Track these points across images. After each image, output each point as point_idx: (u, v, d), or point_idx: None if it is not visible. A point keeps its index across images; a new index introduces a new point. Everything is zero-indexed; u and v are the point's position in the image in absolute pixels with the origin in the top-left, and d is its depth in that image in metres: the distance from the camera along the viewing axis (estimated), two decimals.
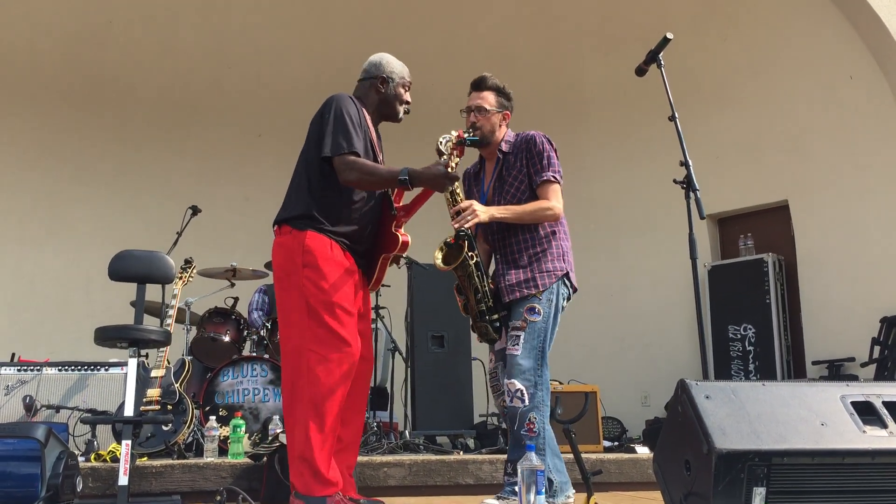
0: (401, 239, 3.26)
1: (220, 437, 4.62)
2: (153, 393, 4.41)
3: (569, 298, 3.49)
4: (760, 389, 2.33)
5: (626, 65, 7.89)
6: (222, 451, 4.55)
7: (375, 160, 3.33)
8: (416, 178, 3.10)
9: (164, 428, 4.33)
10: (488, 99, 3.51)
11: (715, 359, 7.25)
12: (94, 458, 4.11)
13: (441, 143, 3.30)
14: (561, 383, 5.78)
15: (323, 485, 3.04)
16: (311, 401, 3.04)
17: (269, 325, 5.59)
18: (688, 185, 2.99)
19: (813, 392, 2.35)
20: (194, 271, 5.25)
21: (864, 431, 2.24)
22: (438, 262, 3.34)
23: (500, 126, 3.53)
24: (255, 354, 5.42)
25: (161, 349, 4.55)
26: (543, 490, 2.83)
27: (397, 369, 6.11)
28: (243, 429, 4.26)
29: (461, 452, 5.35)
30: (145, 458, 4.21)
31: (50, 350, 6.33)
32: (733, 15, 7.26)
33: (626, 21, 7.66)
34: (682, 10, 7.42)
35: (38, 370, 4.73)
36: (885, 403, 2.31)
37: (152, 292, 5.60)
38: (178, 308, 5.44)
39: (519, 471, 2.88)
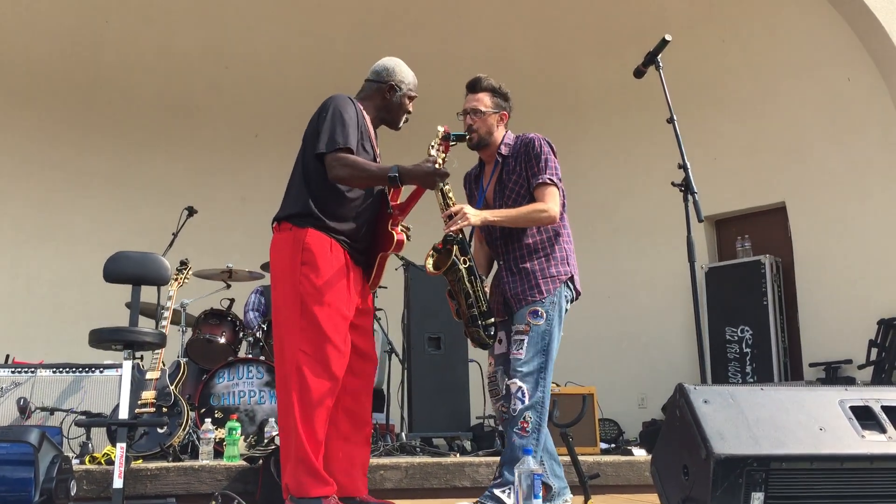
0: (396, 237, 3.25)
1: (215, 439, 4.59)
2: (148, 395, 4.39)
3: (572, 301, 3.47)
4: (759, 394, 2.31)
5: (624, 66, 7.88)
6: (218, 453, 4.53)
7: (374, 160, 3.32)
8: (405, 175, 3.09)
9: (160, 430, 4.30)
10: (483, 100, 3.47)
11: (712, 361, 7.24)
12: (89, 461, 4.08)
13: (432, 146, 3.29)
14: (558, 385, 5.76)
15: (318, 484, 3.03)
16: (301, 401, 3.03)
17: (265, 326, 5.56)
18: (686, 187, 2.97)
19: (812, 397, 2.33)
20: (190, 273, 5.22)
21: (863, 436, 2.23)
22: (429, 266, 3.32)
23: (498, 127, 3.50)
24: (250, 356, 5.39)
25: (156, 351, 4.53)
26: (541, 495, 2.81)
27: (394, 371, 6.09)
28: (239, 431, 4.24)
29: (458, 454, 5.33)
30: (140, 461, 4.18)
31: (45, 352, 6.30)
32: (731, 16, 7.25)
33: (624, 22, 7.64)
34: (680, 11, 7.41)
35: (32, 372, 4.70)
36: (884, 408, 2.30)
37: (148, 294, 5.59)
38: (174, 310, 5.43)
39: (516, 475, 2.86)
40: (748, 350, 7.05)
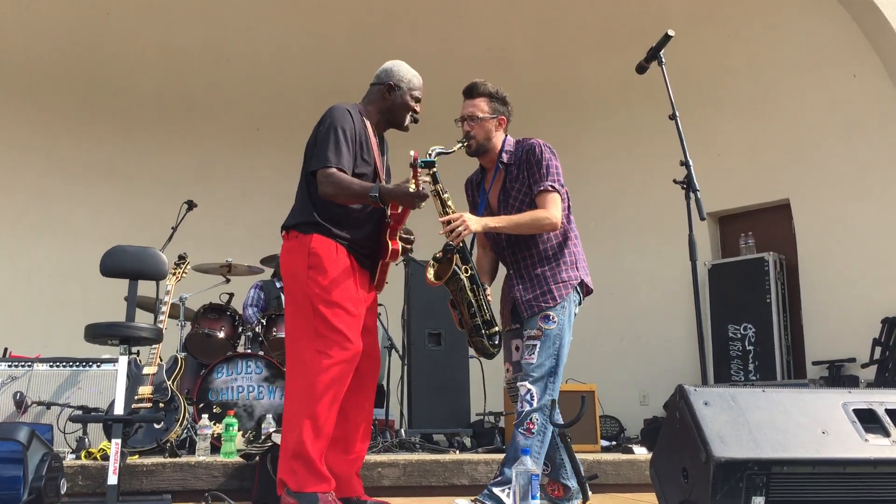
0: (390, 247, 3.29)
1: (213, 435, 4.56)
2: (145, 390, 4.36)
3: (580, 303, 3.45)
4: (760, 396, 2.27)
5: (625, 65, 7.82)
6: (215, 449, 4.50)
7: (374, 169, 3.33)
8: (385, 195, 3.14)
9: (156, 426, 4.27)
10: (480, 106, 3.44)
11: (714, 358, 7.20)
12: (85, 456, 4.05)
13: (430, 154, 3.26)
14: None
15: (317, 479, 3.04)
16: (308, 397, 3.07)
17: (264, 321, 5.53)
18: (688, 185, 2.93)
19: (814, 399, 2.29)
20: (188, 267, 5.19)
21: (867, 440, 2.18)
22: (430, 277, 3.31)
23: (496, 132, 3.46)
24: (249, 351, 5.36)
25: (153, 346, 4.49)
26: (538, 495, 2.77)
27: (394, 367, 6.06)
28: (236, 427, 4.20)
29: (457, 451, 5.31)
30: (136, 457, 4.15)
31: (44, 346, 6.28)
32: (734, 12, 7.19)
33: (625, 21, 7.59)
34: (682, 7, 7.35)
35: (28, 366, 4.67)
36: (888, 411, 2.26)
37: (147, 288, 5.57)
38: (172, 304, 5.39)
39: (514, 474, 2.82)
40: (751, 348, 7.00)
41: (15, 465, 2.66)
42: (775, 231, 7.30)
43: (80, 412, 4.42)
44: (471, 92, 3.47)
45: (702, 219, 2.90)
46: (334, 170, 3.15)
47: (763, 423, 2.19)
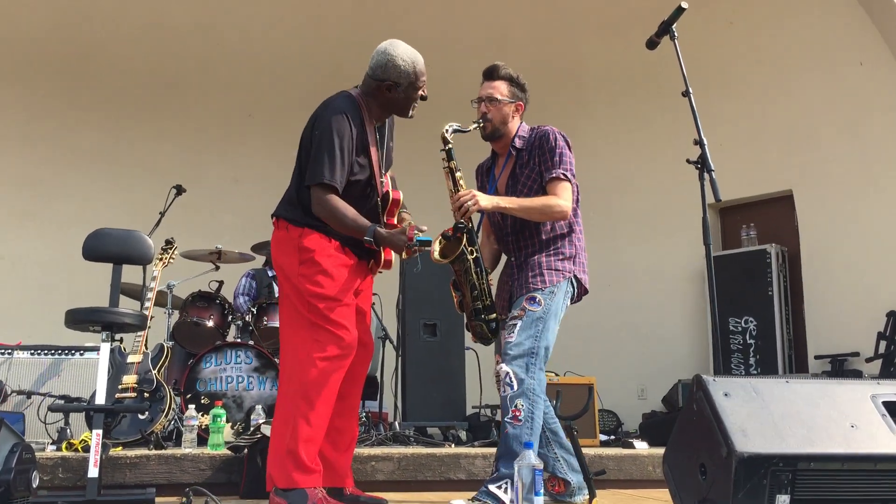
0: (383, 256, 3.22)
1: (200, 426, 4.41)
2: (129, 380, 4.20)
3: (575, 299, 3.33)
4: (784, 387, 2.12)
5: (628, 49, 7.78)
6: (203, 440, 4.34)
7: (371, 171, 3.16)
8: (380, 241, 3.03)
9: (141, 417, 4.11)
10: (500, 89, 3.35)
11: (714, 351, 7.06)
12: (66, 447, 3.89)
13: (447, 130, 3.19)
14: (557, 375, 5.59)
15: (304, 473, 2.93)
16: (303, 393, 2.96)
17: (254, 310, 5.37)
18: (702, 164, 2.78)
19: (841, 391, 2.14)
20: (175, 252, 5.02)
21: None
22: (435, 254, 3.20)
23: (513, 118, 3.37)
24: (239, 340, 5.20)
25: (138, 334, 4.33)
26: (542, 491, 2.62)
27: (387, 358, 5.92)
28: (224, 418, 4.05)
29: (452, 445, 5.18)
30: (120, 448, 3.99)
31: (30, 333, 6.10)
32: None
33: (628, 4, 7.44)
34: None
35: (9, 354, 4.50)
36: None
37: (133, 275, 5.40)
38: (160, 291, 5.24)
39: (516, 469, 2.67)
40: (752, 341, 6.87)
41: None
42: (778, 223, 7.16)
43: (61, 401, 4.25)
44: (491, 74, 3.37)
45: (717, 200, 2.75)
46: (330, 195, 3.00)
47: (788, 415, 2.04)
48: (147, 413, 4.12)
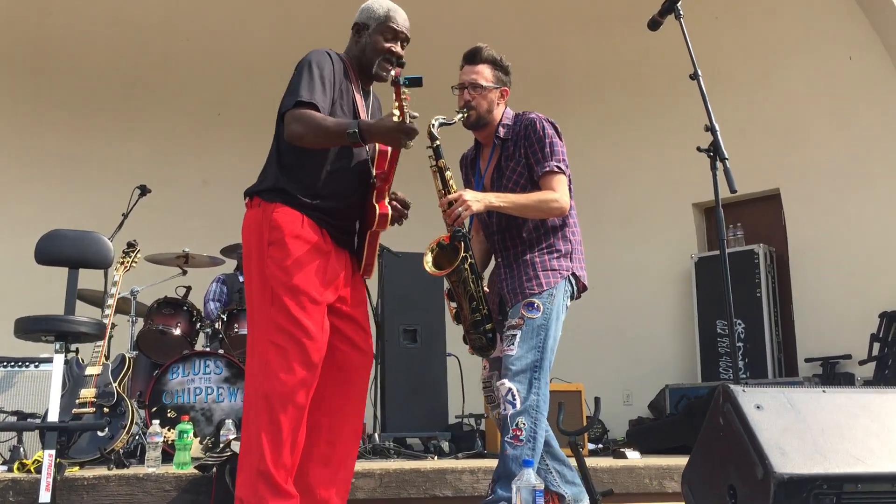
0: (378, 211, 2.78)
1: (167, 441, 4.12)
2: (87, 393, 3.89)
3: (574, 297, 3.09)
4: (822, 398, 1.89)
5: (611, 45, 7.58)
6: (169, 457, 4.04)
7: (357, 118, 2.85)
8: (366, 132, 2.62)
9: (100, 434, 3.80)
10: (484, 73, 3.09)
11: (702, 356, 6.91)
12: (18, 468, 3.57)
13: (433, 125, 2.94)
14: None
15: (279, 497, 2.59)
16: (267, 400, 2.61)
17: (224, 316, 5.07)
18: (714, 151, 2.57)
19: (883, 401, 1.91)
20: (138, 255, 4.71)
21: None
22: (429, 266, 2.92)
23: (498, 104, 3.12)
24: (208, 349, 4.90)
25: (97, 343, 4.02)
26: None
27: None
28: (190, 434, 3.75)
29: (435, 457, 4.94)
30: (77, 469, 3.68)
31: None
32: None
33: (606, 2, 7.25)
34: None
35: None
36: None
37: (95, 280, 5.09)
38: (123, 297, 4.94)
39: (514, 489, 2.42)
40: (740, 344, 6.70)
41: None
42: (765, 222, 7.01)
43: (13, 418, 3.93)
44: (473, 57, 3.11)
45: (732, 190, 2.54)
46: (308, 109, 2.66)
47: (828, 430, 1.81)
48: (107, 430, 3.81)
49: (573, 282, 3.06)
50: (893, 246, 6.16)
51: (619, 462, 4.28)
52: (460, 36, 7.34)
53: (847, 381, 6.14)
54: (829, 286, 6.50)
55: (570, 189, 3.12)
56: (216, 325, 5.06)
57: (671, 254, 7.33)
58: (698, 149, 2.66)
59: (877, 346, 6.04)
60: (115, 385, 4.02)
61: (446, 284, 3.02)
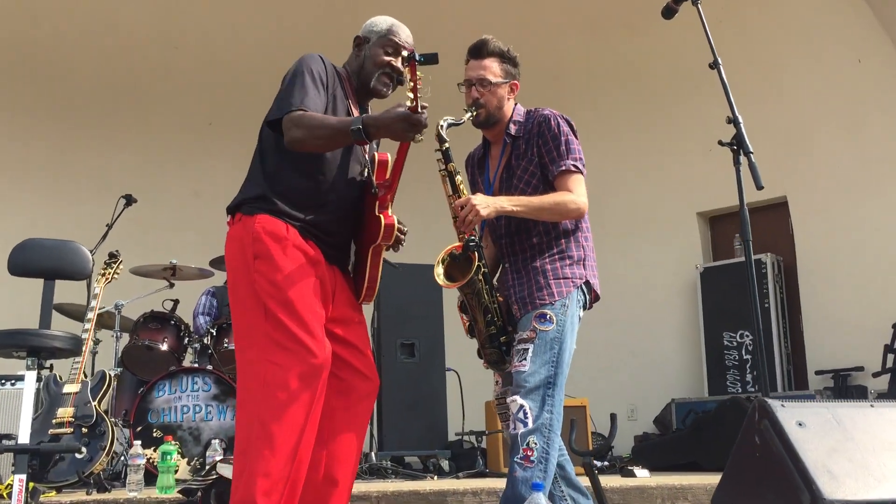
0: (384, 221, 2.55)
1: (151, 462, 3.90)
2: (65, 413, 3.66)
3: (587, 307, 2.89)
4: (869, 413, 1.69)
5: (610, 49, 7.41)
6: (155, 479, 3.82)
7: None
8: (371, 126, 2.42)
9: (78, 455, 3.58)
10: (491, 68, 2.87)
11: (709, 368, 6.71)
12: None
13: (441, 126, 2.72)
14: None
15: None
16: (263, 425, 2.36)
17: (213, 331, 4.85)
18: (738, 145, 2.36)
19: None
20: (120, 267, 4.50)
21: None
22: (440, 278, 2.71)
23: (508, 99, 2.91)
24: (196, 365, 4.69)
25: (76, 360, 3.80)
26: None
27: None
28: (174, 456, 3.54)
29: (435, 476, 4.74)
30: (54, 494, 3.47)
31: None
32: None
33: (608, 7, 7.11)
34: None
35: None
36: None
37: (78, 293, 4.87)
38: (107, 312, 4.75)
39: None
40: (748, 357, 6.49)
41: None
42: (772, 231, 6.81)
43: None
44: (479, 51, 2.89)
45: (758, 187, 2.34)
46: (304, 112, 2.47)
47: (879, 450, 1.60)
48: (85, 451, 3.58)
49: (586, 291, 2.85)
50: None
51: (629, 481, 4.07)
52: (458, 39, 7.21)
53: (860, 394, 5.94)
54: (839, 296, 6.31)
55: None
56: (205, 340, 4.86)
57: (675, 264, 7.15)
58: (720, 143, 2.46)
59: (891, 357, 5.84)
60: (94, 404, 3.80)
61: (458, 297, 2.82)
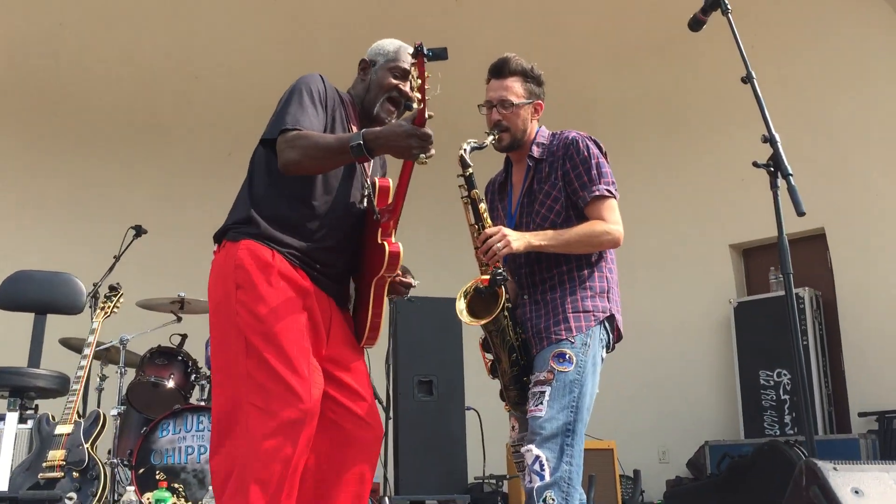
0: (387, 249, 2.34)
1: None
2: (55, 455, 3.47)
3: (610, 348, 2.66)
4: None
5: (641, 79, 7.22)
6: None
7: (354, 164, 2.48)
8: (373, 142, 2.23)
9: (68, 502, 3.38)
10: (514, 88, 2.71)
11: (744, 409, 6.40)
12: None
13: (465, 150, 2.57)
14: None
15: None
16: (241, 479, 2.14)
17: None
18: (775, 167, 2.13)
19: None
20: (121, 300, 4.34)
21: None
22: (463, 314, 2.52)
23: (532, 120, 2.75)
24: (202, 403, 4.50)
25: (69, 399, 3.62)
26: None
27: None
28: (169, 503, 3.32)
29: None
30: None
31: None
32: (762, 19, 6.48)
33: (641, 32, 6.99)
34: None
35: None
36: None
37: (79, 327, 4.73)
38: (113, 346, 4.58)
39: None
40: (786, 397, 6.17)
41: None
42: (809, 264, 6.52)
43: None
44: (500, 70, 2.74)
45: (800, 214, 2.10)
46: (301, 131, 2.31)
47: None
48: (76, 497, 3.39)
49: (609, 328, 2.62)
50: None
51: None
52: (482, 68, 7.08)
53: None
54: (882, 332, 6.01)
55: None
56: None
57: (708, 299, 6.89)
58: (755, 164, 2.25)
59: None
60: (87, 446, 3.60)
61: (480, 333, 2.62)
